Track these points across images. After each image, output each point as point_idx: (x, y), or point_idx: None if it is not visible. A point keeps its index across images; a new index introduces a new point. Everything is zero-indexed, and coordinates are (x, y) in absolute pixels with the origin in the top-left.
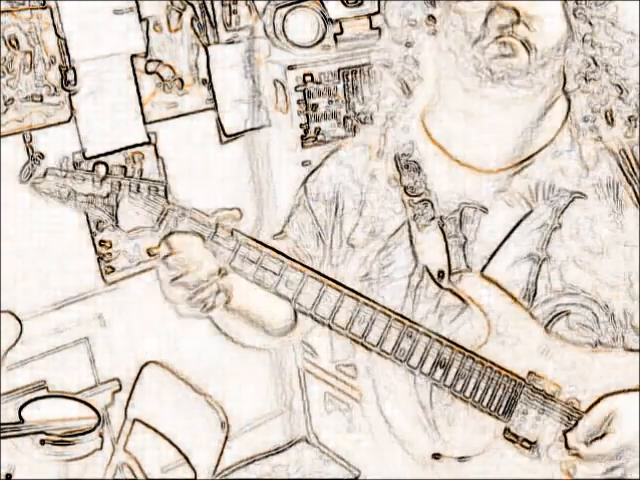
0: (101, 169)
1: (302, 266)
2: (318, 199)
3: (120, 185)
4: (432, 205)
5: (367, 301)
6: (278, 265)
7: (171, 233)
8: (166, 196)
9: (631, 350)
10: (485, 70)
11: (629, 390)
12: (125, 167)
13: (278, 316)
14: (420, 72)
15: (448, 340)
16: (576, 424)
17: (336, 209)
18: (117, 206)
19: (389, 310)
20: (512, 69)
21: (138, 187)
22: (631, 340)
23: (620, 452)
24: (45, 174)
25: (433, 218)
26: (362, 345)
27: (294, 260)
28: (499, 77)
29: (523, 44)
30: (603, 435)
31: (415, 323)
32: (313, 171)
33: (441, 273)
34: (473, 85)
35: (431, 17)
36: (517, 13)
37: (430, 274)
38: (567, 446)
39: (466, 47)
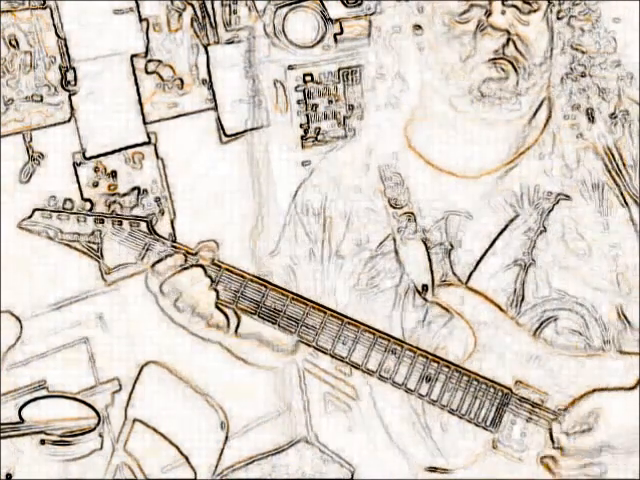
0: (85, 207)
1: (284, 291)
2: (307, 213)
3: (103, 222)
4: (415, 218)
5: (351, 321)
6: (260, 292)
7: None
8: (149, 231)
9: (625, 353)
10: (475, 92)
11: (617, 389)
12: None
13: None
14: (407, 85)
15: (433, 355)
16: (562, 416)
17: (324, 222)
18: (102, 243)
19: (372, 329)
20: (503, 92)
21: (120, 223)
22: (625, 343)
23: (600, 449)
24: (32, 214)
25: (416, 231)
26: (348, 364)
27: (276, 286)
28: (491, 102)
29: (513, 65)
30: (586, 430)
31: (399, 340)
32: (300, 186)
33: (425, 287)
34: (462, 105)
35: (418, 26)
36: (508, 32)
37: (415, 288)
38: (552, 438)
39: (456, 67)
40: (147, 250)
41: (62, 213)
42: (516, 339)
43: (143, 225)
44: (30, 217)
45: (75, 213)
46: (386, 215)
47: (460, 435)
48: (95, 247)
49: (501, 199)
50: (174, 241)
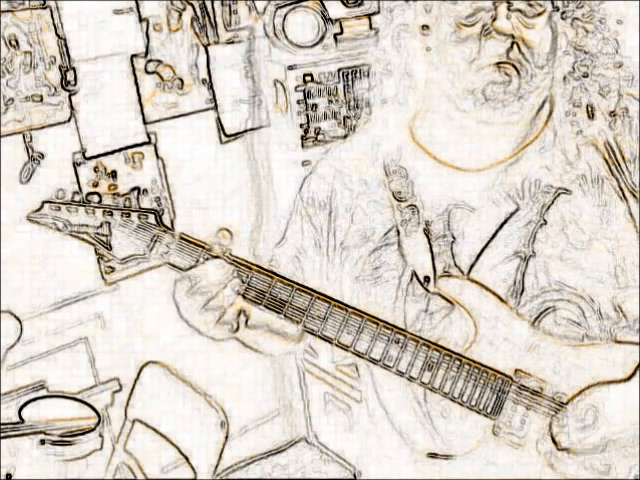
0: (94, 200)
1: (289, 281)
2: (313, 205)
3: (112, 214)
4: (418, 211)
5: (355, 311)
6: (266, 282)
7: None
8: (157, 223)
9: (620, 342)
10: (479, 94)
11: (614, 381)
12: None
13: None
14: (414, 82)
15: (435, 344)
16: (561, 414)
17: (330, 214)
18: (110, 235)
19: (376, 318)
20: (506, 95)
21: (129, 215)
22: (621, 333)
23: (605, 445)
24: (41, 207)
25: (419, 224)
26: (353, 353)
27: (281, 276)
28: (494, 105)
29: (516, 69)
30: (587, 427)
31: (402, 329)
32: (306, 178)
33: (427, 278)
34: (466, 106)
35: (425, 26)
36: (512, 37)
37: (417, 279)
38: (553, 438)
39: (461, 68)
40: (155, 242)
41: (71, 205)
42: (516, 329)
43: (151, 217)
44: (39, 210)
45: (84, 205)
46: (390, 207)
47: (461, 422)
48: (104, 239)
49: (503, 192)
50: (182, 233)
